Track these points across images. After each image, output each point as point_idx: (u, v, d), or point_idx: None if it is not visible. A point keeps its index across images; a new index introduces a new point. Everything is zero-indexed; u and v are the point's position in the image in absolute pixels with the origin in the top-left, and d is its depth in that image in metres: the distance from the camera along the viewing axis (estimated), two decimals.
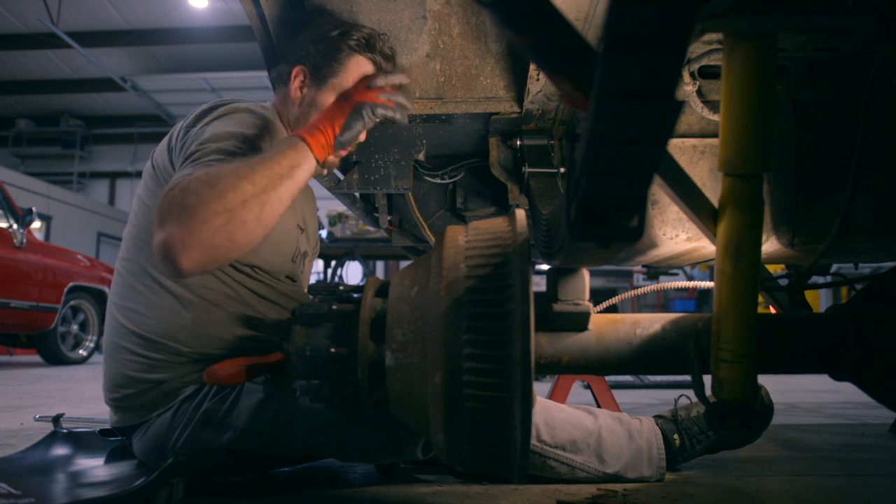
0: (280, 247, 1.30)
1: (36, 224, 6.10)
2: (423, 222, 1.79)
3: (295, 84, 1.30)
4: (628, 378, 4.02)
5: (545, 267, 2.08)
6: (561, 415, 1.31)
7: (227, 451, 1.18)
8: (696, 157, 1.40)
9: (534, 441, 1.25)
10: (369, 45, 1.29)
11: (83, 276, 6.01)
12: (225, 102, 1.22)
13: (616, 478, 1.28)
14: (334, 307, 0.96)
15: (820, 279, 1.91)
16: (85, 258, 6.27)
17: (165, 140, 1.23)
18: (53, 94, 12.98)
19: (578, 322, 1.04)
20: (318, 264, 7.22)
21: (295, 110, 1.31)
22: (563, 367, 1.06)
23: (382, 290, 0.99)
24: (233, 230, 0.95)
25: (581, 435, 1.29)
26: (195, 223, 0.92)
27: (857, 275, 1.56)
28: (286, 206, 1.04)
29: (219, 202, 0.94)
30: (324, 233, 6.14)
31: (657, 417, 1.40)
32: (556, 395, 2.05)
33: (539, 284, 2.31)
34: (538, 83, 1.37)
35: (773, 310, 2.08)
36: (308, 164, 1.08)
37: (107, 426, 1.35)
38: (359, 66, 1.29)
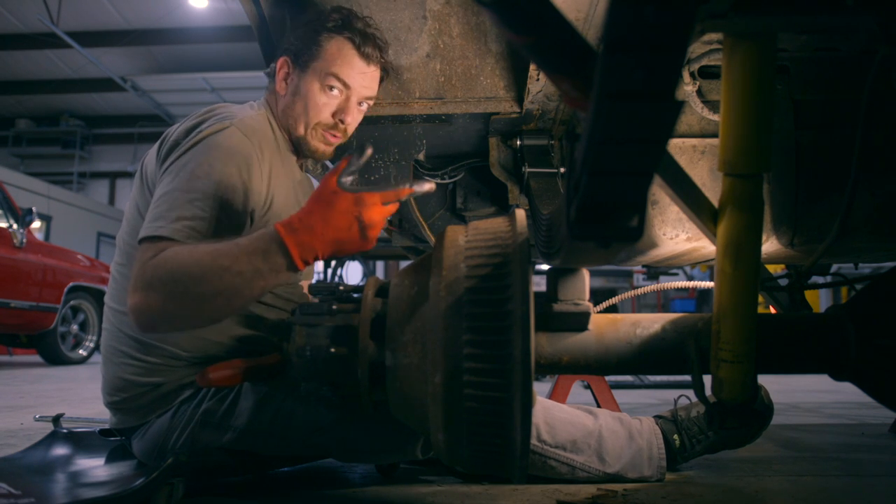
0: None
1: (36, 224, 6.09)
2: (423, 222, 1.79)
3: (280, 76, 1.29)
4: (628, 378, 4.02)
5: (545, 267, 2.08)
6: (561, 415, 1.31)
7: (227, 451, 1.18)
8: (696, 157, 1.40)
9: (534, 441, 1.25)
10: (346, 24, 1.25)
11: (83, 276, 6.01)
12: (216, 114, 1.21)
13: (616, 478, 1.28)
14: (334, 307, 0.96)
15: (820, 279, 1.91)
16: (85, 258, 6.27)
17: (156, 146, 1.22)
18: (53, 94, 12.98)
19: (578, 322, 1.04)
20: (318, 264, 7.22)
21: (283, 101, 1.30)
22: (563, 367, 1.06)
23: (382, 290, 0.99)
24: (188, 321, 1.05)
25: (581, 435, 1.28)
26: (154, 308, 1.00)
27: (857, 275, 1.56)
28: (250, 304, 1.09)
29: (177, 301, 1.00)
30: None
31: (657, 418, 1.39)
32: (556, 395, 2.05)
33: (539, 284, 2.31)
34: (538, 83, 1.37)
35: (773, 310, 2.08)
36: (284, 279, 1.04)
37: (107, 426, 1.34)
38: (339, 48, 1.25)
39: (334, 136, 1.31)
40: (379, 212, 1.00)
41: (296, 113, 1.28)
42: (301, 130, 1.29)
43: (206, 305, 1.01)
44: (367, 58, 1.27)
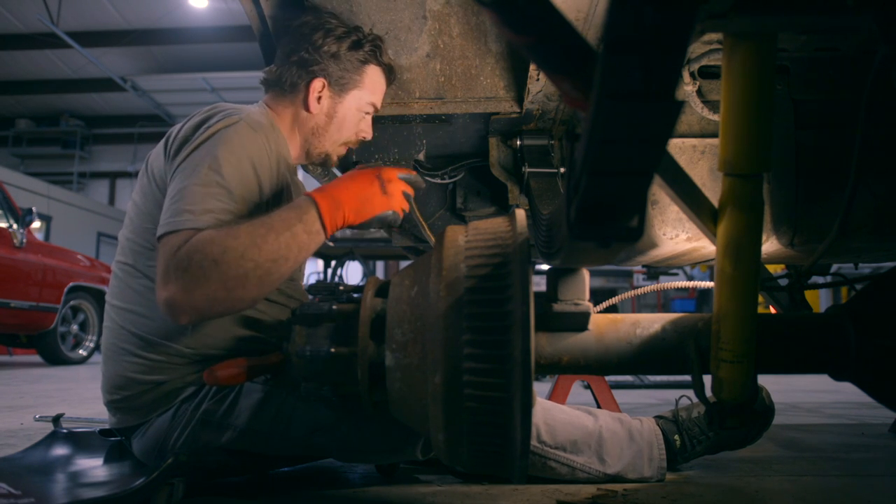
0: None
1: (36, 224, 6.09)
2: (423, 222, 1.79)
3: (313, 96, 1.32)
4: (628, 378, 4.02)
5: (545, 267, 2.08)
6: (561, 416, 1.31)
7: (227, 450, 1.18)
8: (696, 157, 1.40)
9: (534, 442, 1.25)
10: (381, 52, 1.36)
11: (83, 276, 6.01)
12: (221, 109, 1.21)
13: (617, 478, 1.28)
14: (334, 307, 0.96)
15: (820, 279, 1.91)
16: (85, 258, 6.27)
17: (161, 144, 1.22)
18: (53, 94, 12.98)
19: (578, 322, 1.04)
20: (319, 264, 7.22)
21: (312, 121, 1.34)
22: (563, 367, 1.06)
23: (382, 290, 0.99)
24: (231, 303, 1.03)
25: (581, 436, 1.29)
26: (196, 293, 1.00)
27: (857, 275, 1.56)
28: (287, 276, 1.09)
29: (220, 281, 1.00)
30: None
31: (657, 418, 1.40)
32: (556, 395, 2.05)
33: (539, 284, 2.31)
34: (538, 83, 1.36)
35: (773, 310, 2.08)
36: (316, 243, 1.10)
37: (106, 426, 1.34)
38: (376, 78, 1.38)
39: (350, 146, 1.44)
40: (395, 175, 1.20)
41: (329, 133, 1.36)
42: (327, 147, 1.38)
43: (248, 281, 1.01)
44: (390, 83, 1.43)
